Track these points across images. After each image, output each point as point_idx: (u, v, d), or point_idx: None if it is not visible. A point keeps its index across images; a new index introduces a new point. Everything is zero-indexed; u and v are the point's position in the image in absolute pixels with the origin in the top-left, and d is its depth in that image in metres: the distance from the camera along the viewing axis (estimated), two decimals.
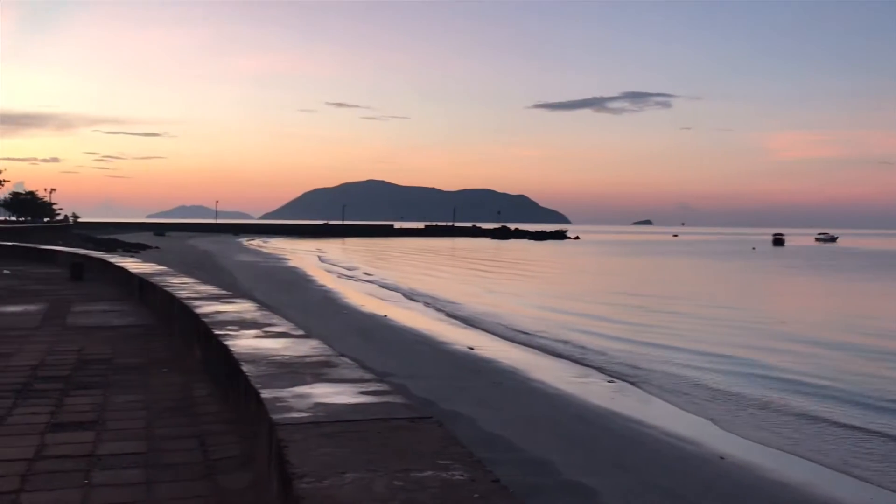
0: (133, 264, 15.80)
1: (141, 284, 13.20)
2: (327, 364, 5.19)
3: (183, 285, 11.33)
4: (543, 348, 24.51)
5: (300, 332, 6.66)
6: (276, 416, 3.78)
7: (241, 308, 8.47)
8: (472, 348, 24.03)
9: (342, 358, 5.42)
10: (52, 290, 14.94)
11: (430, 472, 3.04)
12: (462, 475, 3.02)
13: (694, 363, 22.26)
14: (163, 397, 6.18)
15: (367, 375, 4.86)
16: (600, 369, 21.34)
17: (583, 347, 24.72)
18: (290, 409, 3.94)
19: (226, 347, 5.89)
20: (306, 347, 5.85)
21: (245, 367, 5.03)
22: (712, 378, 20.22)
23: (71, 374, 7.02)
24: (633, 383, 19.63)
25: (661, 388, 19.05)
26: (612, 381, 19.89)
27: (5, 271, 19.10)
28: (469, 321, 31.01)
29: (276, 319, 7.52)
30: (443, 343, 25.04)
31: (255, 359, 5.35)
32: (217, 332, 6.63)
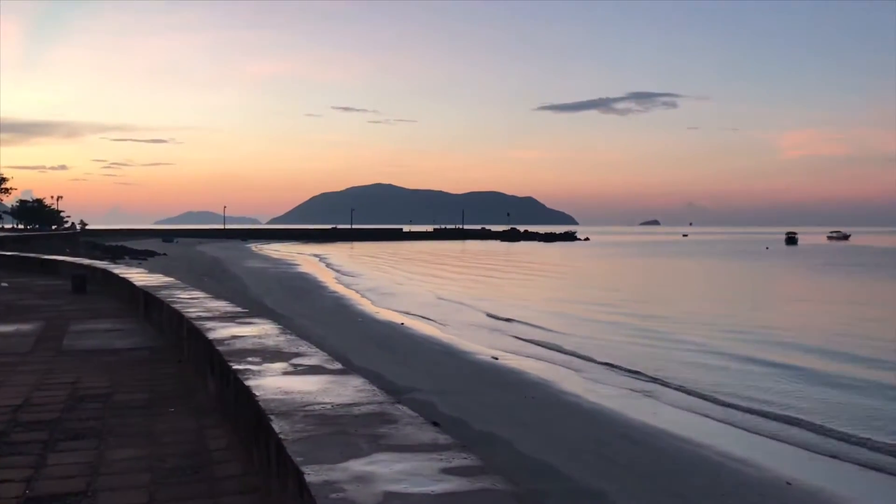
0: (138, 276, 14.61)
1: (146, 299, 12.00)
2: (383, 418, 3.96)
3: (192, 301, 10.13)
4: (571, 359, 23.22)
5: (337, 366, 5.43)
6: None
7: (261, 331, 7.25)
8: (496, 358, 22.79)
9: (400, 407, 4.19)
10: (51, 306, 13.76)
11: None
12: None
13: (740, 376, 20.90)
14: (171, 451, 4.96)
15: (443, 438, 3.62)
16: (637, 382, 20.05)
17: (613, 357, 23.42)
18: None
19: (248, 391, 4.67)
20: (350, 390, 4.62)
21: (277, 426, 3.80)
22: (760, 391, 18.91)
23: (60, 416, 5.81)
24: (671, 397, 18.37)
25: (703, 402, 17.79)
26: (649, 397, 18.61)
27: (3, 284, 17.94)
28: (489, 329, 29.76)
29: (304, 346, 6.30)
30: (465, 353, 23.79)
31: (288, 409, 4.13)
32: (236, 366, 5.41)
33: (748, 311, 37.38)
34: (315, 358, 5.77)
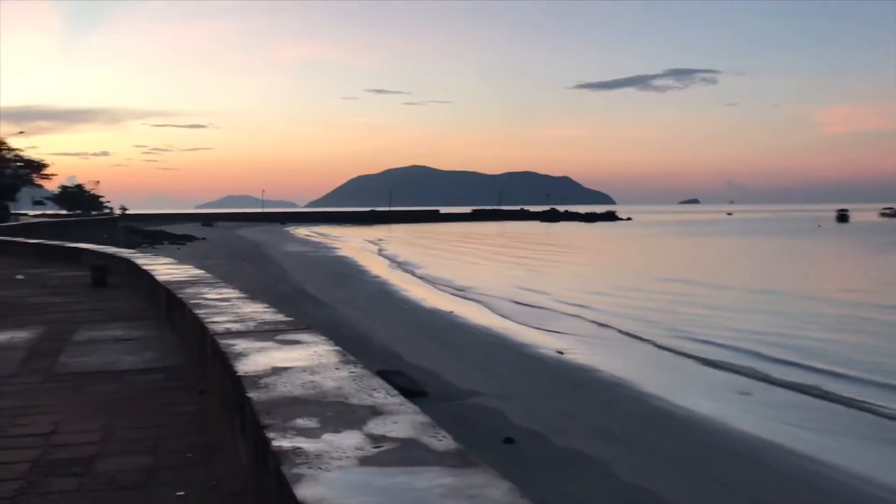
0: (163, 268, 12.54)
1: (168, 298, 9.92)
2: None
3: (221, 303, 7.98)
4: (646, 354, 20.86)
5: (446, 444, 3.18)
6: None
7: (313, 358, 5.05)
8: (561, 352, 20.53)
9: None
10: (61, 304, 11.78)
11: None
12: None
13: (861, 370, 18.30)
14: None
15: None
16: (724, 381, 17.64)
17: (693, 347, 21.02)
18: None
19: None
20: None
21: None
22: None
23: None
24: (773, 398, 15.99)
25: (809, 400, 15.38)
26: (745, 398, 16.21)
27: (19, 276, 16.09)
28: (546, 319, 27.38)
29: (380, 393, 4.08)
30: (525, 345, 21.57)
31: None
32: (278, 441, 3.21)
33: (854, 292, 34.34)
34: (404, 420, 3.54)
